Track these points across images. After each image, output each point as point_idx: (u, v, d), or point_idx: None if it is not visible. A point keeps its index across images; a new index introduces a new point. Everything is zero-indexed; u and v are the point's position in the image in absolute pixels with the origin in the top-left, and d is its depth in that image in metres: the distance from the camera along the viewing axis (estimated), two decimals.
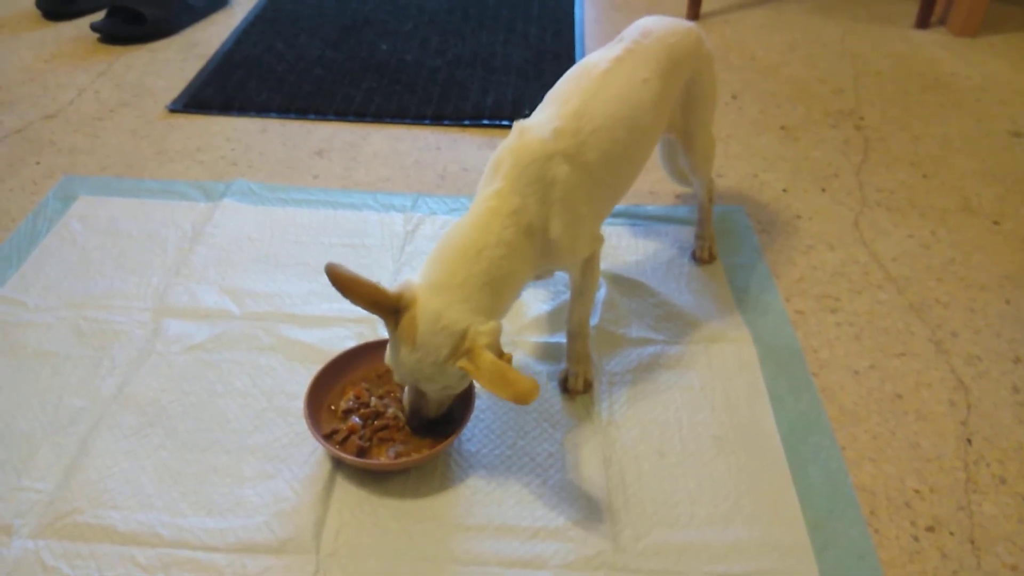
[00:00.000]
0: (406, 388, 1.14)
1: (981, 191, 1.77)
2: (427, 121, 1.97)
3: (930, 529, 1.09)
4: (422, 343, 1.02)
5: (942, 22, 2.52)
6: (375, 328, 1.36)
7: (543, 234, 1.09)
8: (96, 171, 1.77)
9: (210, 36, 2.36)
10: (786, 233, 1.63)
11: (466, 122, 1.97)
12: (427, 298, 1.02)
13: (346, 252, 1.54)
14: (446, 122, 1.97)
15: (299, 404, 1.18)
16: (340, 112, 2.00)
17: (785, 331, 1.39)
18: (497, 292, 1.05)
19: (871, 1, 2.68)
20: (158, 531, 1.06)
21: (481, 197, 1.09)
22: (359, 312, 1.37)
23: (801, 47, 2.38)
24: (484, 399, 1.23)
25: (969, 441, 1.22)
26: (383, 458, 1.12)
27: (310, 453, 1.16)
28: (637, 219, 1.65)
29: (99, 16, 2.37)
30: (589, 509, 1.10)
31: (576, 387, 1.26)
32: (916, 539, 1.08)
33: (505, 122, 1.96)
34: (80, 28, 2.37)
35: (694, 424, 1.22)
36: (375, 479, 1.13)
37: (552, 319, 1.40)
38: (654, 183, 1.75)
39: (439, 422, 1.17)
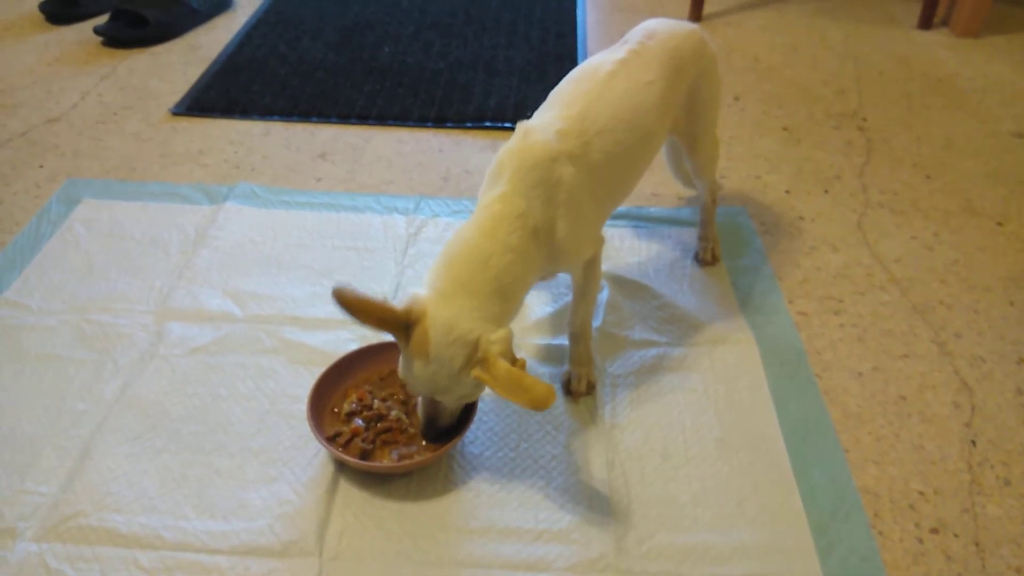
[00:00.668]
0: (420, 400, 1.14)
1: (984, 192, 1.76)
2: (429, 124, 1.97)
3: (934, 531, 1.09)
4: (436, 355, 1.01)
5: (945, 23, 2.52)
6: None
7: (549, 236, 1.09)
8: (99, 174, 1.77)
9: (213, 39, 2.36)
10: (789, 235, 1.63)
11: (468, 124, 1.97)
12: (437, 309, 1.02)
13: (349, 255, 1.54)
14: (448, 124, 1.97)
15: (302, 407, 1.18)
16: (343, 115, 2.00)
17: (788, 333, 1.39)
18: (506, 298, 1.05)
19: (873, 2, 2.68)
20: (161, 534, 1.06)
21: (484, 202, 1.09)
22: None
23: (803, 49, 2.38)
24: (487, 402, 1.23)
25: (973, 443, 1.21)
26: (386, 461, 1.12)
27: (313, 456, 1.16)
28: (640, 221, 1.65)
29: (102, 19, 2.37)
30: (592, 512, 1.10)
31: (579, 389, 1.26)
32: (920, 541, 1.08)
33: (507, 124, 1.96)
34: (83, 32, 2.38)
35: (697, 426, 1.22)
36: (378, 482, 1.13)
37: (554, 321, 1.40)
38: (657, 185, 1.75)
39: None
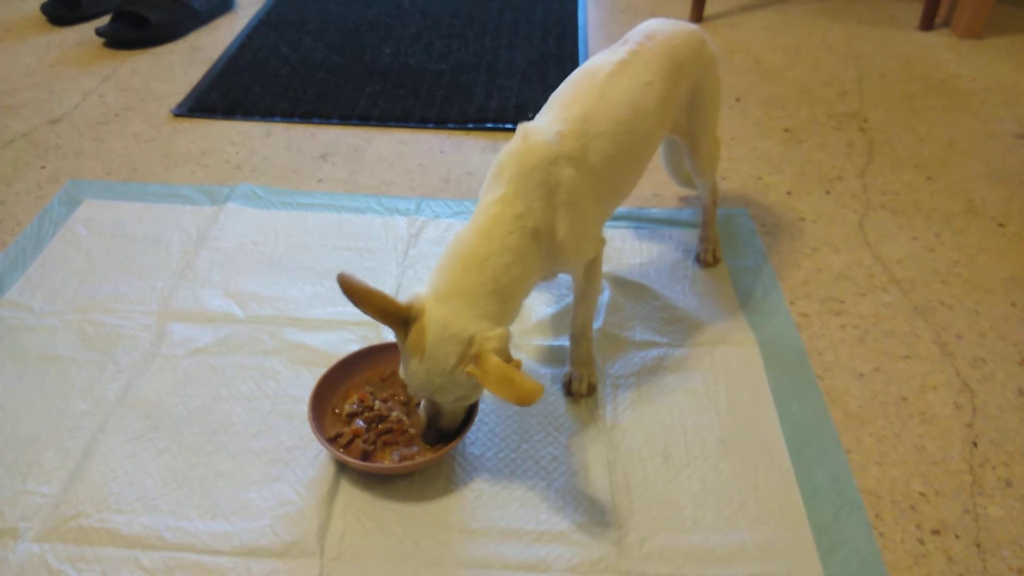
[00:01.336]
0: (423, 402, 1.14)
1: (986, 193, 1.76)
2: (431, 125, 1.98)
3: (936, 532, 1.09)
4: (431, 353, 1.02)
5: (946, 24, 2.52)
6: (379, 332, 1.36)
7: (549, 237, 1.09)
8: (101, 175, 1.77)
9: (214, 40, 2.37)
10: (790, 236, 1.63)
11: (470, 125, 1.97)
12: (434, 308, 1.03)
13: (350, 256, 1.54)
14: (450, 126, 1.97)
15: (303, 408, 1.19)
16: (344, 116, 2.00)
17: (790, 334, 1.39)
18: (504, 298, 1.05)
19: (875, 3, 2.68)
20: (163, 535, 1.06)
21: (484, 203, 1.09)
22: (363, 316, 1.38)
23: (805, 50, 2.38)
24: (488, 403, 1.23)
25: (975, 444, 1.21)
26: (387, 461, 1.12)
27: (314, 457, 1.16)
28: (641, 222, 1.65)
29: (104, 21, 2.38)
30: (593, 513, 1.10)
31: (580, 390, 1.26)
32: (922, 542, 1.08)
33: (509, 125, 1.96)
34: (85, 33, 2.38)
35: (698, 427, 1.22)
36: (379, 482, 1.13)
37: (555, 322, 1.40)
38: (658, 186, 1.75)
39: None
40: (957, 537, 1.08)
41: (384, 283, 1.48)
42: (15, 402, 1.24)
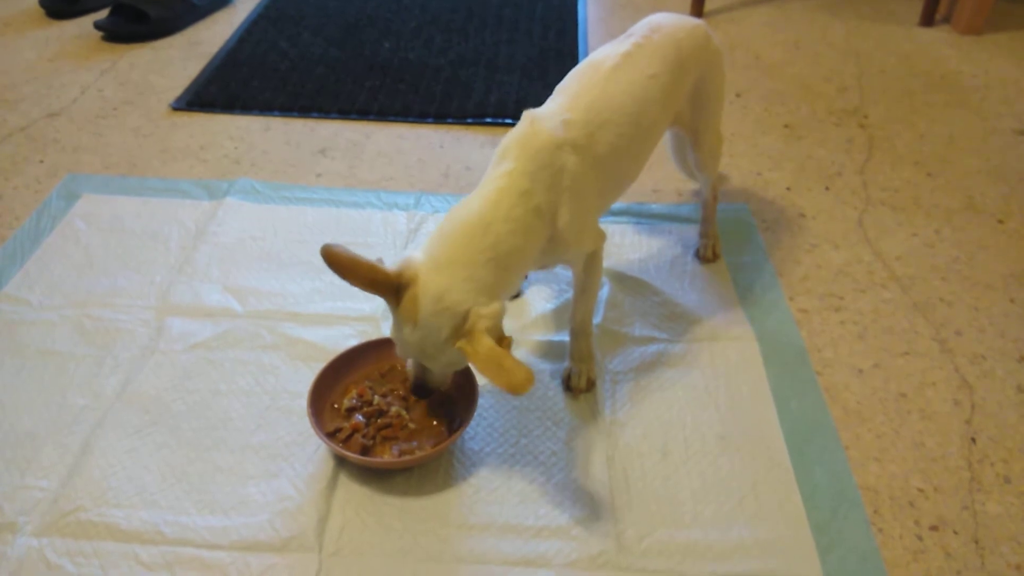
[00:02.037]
0: (409, 360, 1.13)
1: (986, 190, 1.76)
2: (430, 120, 1.97)
3: (934, 528, 1.09)
4: (424, 323, 1.01)
5: (947, 20, 2.51)
6: (378, 326, 1.36)
7: (551, 221, 1.09)
8: (100, 169, 1.77)
9: (213, 34, 2.36)
10: (790, 232, 1.63)
11: (469, 120, 1.97)
12: (429, 276, 1.01)
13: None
14: (449, 120, 1.97)
15: (302, 402, 1.18)
16: (343, 111, 1.99)
17: (789, 330, 1.38)
18: (502, 269, 1.04)
19: None
20: (161, 529, 1.06)
21: (490, 176, 1.08)
22: (362, 310, 1.38)
23: (805, 45, 2.38)
24: (488, 397, 1.23)
25: (973, 440, 1.21)
26: (386, 456, 1.12)
27: (313, 451, 1.16)
28: (641, 217, 1.65)
29: (103, 14, 2.37)
30: (592, 508, 1.10)
31: (579, 386, 1.26)
32: (920, 539, 1.08)
33: (508, 120, 1.96)
34: (83, 26, 2.37)
35: (698, 423, 1.22)
36: (378, 477, 1.13)
37: (555, 317, 1.40)
38: (658, 181, 1.75)
39: (443, 412, 1.17)
40: (956, 533, 1.09)
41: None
42: (13, 397, 1.23)
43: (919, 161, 1.85)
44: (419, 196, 1.69)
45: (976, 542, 1.08)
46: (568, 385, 1.27)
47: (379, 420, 1.16)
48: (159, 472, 1.13)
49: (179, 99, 2.03)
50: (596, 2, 2.63)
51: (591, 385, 1.27)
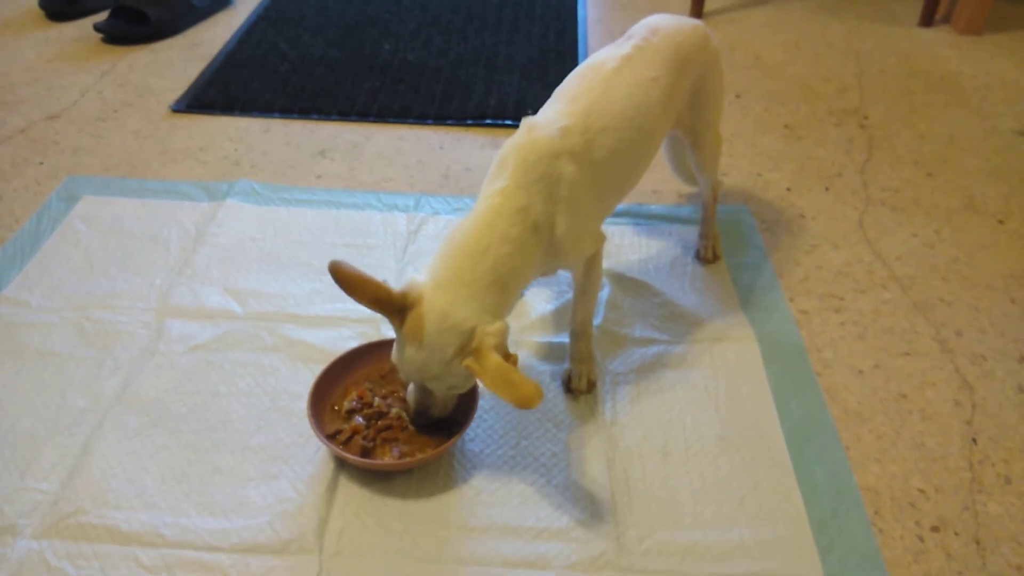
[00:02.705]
0: (411, 386, 1.14)
1: (986, 190, 1.76)
2: (430, 121, 1.97)
3: (935, 529, 1.09)
4: (428, 342, 1.01)
5: (946, 20, 2.51)
6: (378, 328, 1.36)
7: (549, 232, 1.09)
8: (99, 171, 1.77)
9: (213, 36, 2.36)
10: (790, 232, 1.63)
11: (469, 122, 1.97)
12: (433, 296, 1.02)
13: (349, 252, 1.54)
14: (449, 122, 1.97)
15: (302, 404, 1.18)
16: (343, 112, 1.99)
17: (789, 330, 1.38)
18: (502, 290, 1.05)
19: (875, 0, 2.68)
20: (161, 531, 1.06)
21: (486, 195, 1.09)
22: (362, 312, 1.38)
23: (805, 46, 2.38)
24: (487, 399, 1.23)
25: (974, 441, 1.21)
26: (387, 458, 1.12)
27: (313, 453, 1.16)
28: (641, 218, 1.64)
29: (102, 16, 2.37)
30: (593, 509, 1.10)
31: (579, 387, 1.26)
32: (921, 539, 1.08)
33: (508, 121, 1.96)
34: (83, 28, 2.37)
35: (698, 424, 1.22)
36: (378, 479, 1.13)
37: (555, 319, 1.40)
38: (658, 182, 1.75)
39: (443, 421, 1.17)
40: (956, 534, 1.08)
41: (383, 280, 1.47)
42: (13, 398, 1.23)
43: (919, 161, 1.85)
44: (419, 197, 1.69)
45: (977, 543, 1.08)
46: (568, 387, 1.27)
47: (379, 422, 1.16)
48: (159, 474, 1.13)
49: (179, 101, 2.03)
50: (596, 2, 2.63)
51: (591, 386, 1.27)
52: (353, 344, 1.28)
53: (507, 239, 1.05)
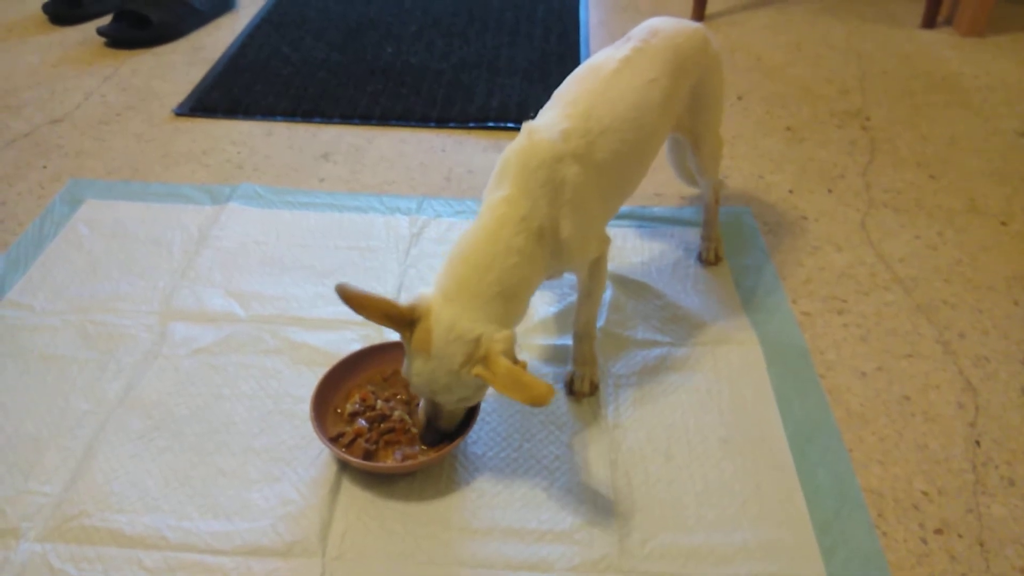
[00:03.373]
0: (422, 402, 1.14)
1: (988, 191, 1.76)
2: (432, 124, 1.97)
3: (938, 531, 1.09)
4: (437, 352, 1.02)
5: (948, 22, 2.51)
6: (381, 331, 1.36)
7: (554, 236, 1.09)
8: (102, 175, 1.77)
9: (216, 40, 2.36)
10: (792, 234, 1.63)
11: (471, 124, 1.97)
12: (441, 309, 1.03)
13: (352, 255, 1.54)
14: (451, 124, 1.97)
15: (305, 407, 1.18)
16: (345, 115, 2.00)
17: (792, 332, 1.38)
18: (509, 300, 1.06)
19: (877, 1, 2.68)
20: (164, 534, 1.06)
21: (489, 203, 1.09)
22: None
23: (807, 48, 2.38)
24: (489, 402, 1.23)
25: (977, 443, 1.21)
26: (389, 461, 1.12)
27: (316, 456, 1.16)
28: (643, 221, 1.65)
29: (105, 20, 2.38)
30: (595, 512, 1.10)
31: (582, 389, 1.26)
32: (924, 541, 1.08)
33: (510, 124, 1.96)
34: (86, 32, 2.38)
35: (701, 426, 1.22)
36: (381, 482, 1.13)
37: (558, 321, 1.40)
38: (660, 185, 1.75)
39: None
40: (960, 536, 1.08)
41: (386, 282, 1.47)
42: (17, 401, 1.24)
43: (921, 163, 1.85)
44: (421, 200, 1.69)
45: (981, 545, 1.07)
46: (571, 389, 1.27)
47: (382, 425, 1.16)
48: (162, 476, 1.13)
49: (182, 104, 2.04)
50: (597, 5, 2.63)
51: (594, 389, 1.27)
52: (356, 347, 1.28)
53: (512, 249, 1.05)
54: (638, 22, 1.33)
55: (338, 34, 2.39)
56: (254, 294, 1.44)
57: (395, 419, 1.17)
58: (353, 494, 1.12)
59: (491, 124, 1.97)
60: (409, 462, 1.11)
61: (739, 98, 2.11)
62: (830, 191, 1.76)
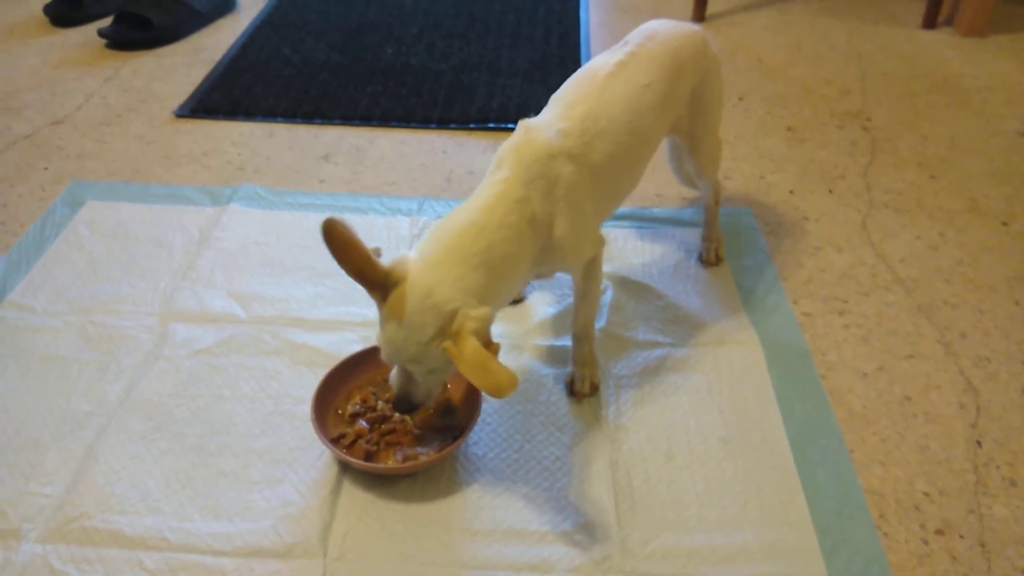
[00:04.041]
0: (393, 370, 1.11)
1: (989, 192, 1.76)
2: (433, 125, 1.98)
3: (940, 532, 1.09)
4: (409, 320, 0.99)
5: (949, 22, 2.51)
6: None
7: (547, 231, 1.09)
8: (104, 176, 1.77)
9: (217, 41, 2.37)
10: (793, 235, 1.63)
11: (472, 125, 1.97)
12: (419, 274, 1.00)
13: None
14: (452, 126, 1.97)
15: (306, 408, 1.19)
16: (346, 116, 2.00)
17: (793, 333, 1.38)
18: (493, 274, 1.03)
19: (877, 2, 2.68)
20: (165, 535, 1.06)
21: (487, 183, 1.09)
22: (366, 316, 1.39)
23: (807, 48, 2.38)
24: (491, 403, 1.23)
25: (979, 443, 1.21)
26: (390, 462, 1.12)
27: (317, 457, 1.16)
28: (644, 222, 1.65)
29: (106, 22, 2.38)
30: (596, 513, 1.10)
31: (582, 390, 1.26)
32: (926, 542, 1.08)
33: (510, 125, 1.96)
34: (88, 34, 2.38)
35: (701, 427, 1.22)
36: (382, 483, 1.13)
37: (557, 322, 1.40)
38: (660, 186, 1.75)
39: (447, 425, 1.17)
40: (961, 537, 1.08)
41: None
42: (18, 403, 1.24)
43: (922, 163, 1.85)
44: (422, 201, 1.69)
45: (982, 546, 1.07)
46: (571, 390, 1.27)
47: (383, 426, 1.16)
48: (163, 478, 1.13)
49: (183, 106, 2.04)
50: (597, 6, 2.64)
51: (595, 390, 1.27)
52: (356, 348, 1.28)
53: (503, 224, 1.04)
54: (639, 23, 1.33)
55: (339, 35, 2.39)
56: (255, 295, 1.44)
57: (396, 420, 1.17)
58: (354, 495, 1.12)
59: (492, 125, 1.97)
60: (410, 463, 1.11)
61: (740, 99, 2.11)
62: (831, 192, 1.76)
